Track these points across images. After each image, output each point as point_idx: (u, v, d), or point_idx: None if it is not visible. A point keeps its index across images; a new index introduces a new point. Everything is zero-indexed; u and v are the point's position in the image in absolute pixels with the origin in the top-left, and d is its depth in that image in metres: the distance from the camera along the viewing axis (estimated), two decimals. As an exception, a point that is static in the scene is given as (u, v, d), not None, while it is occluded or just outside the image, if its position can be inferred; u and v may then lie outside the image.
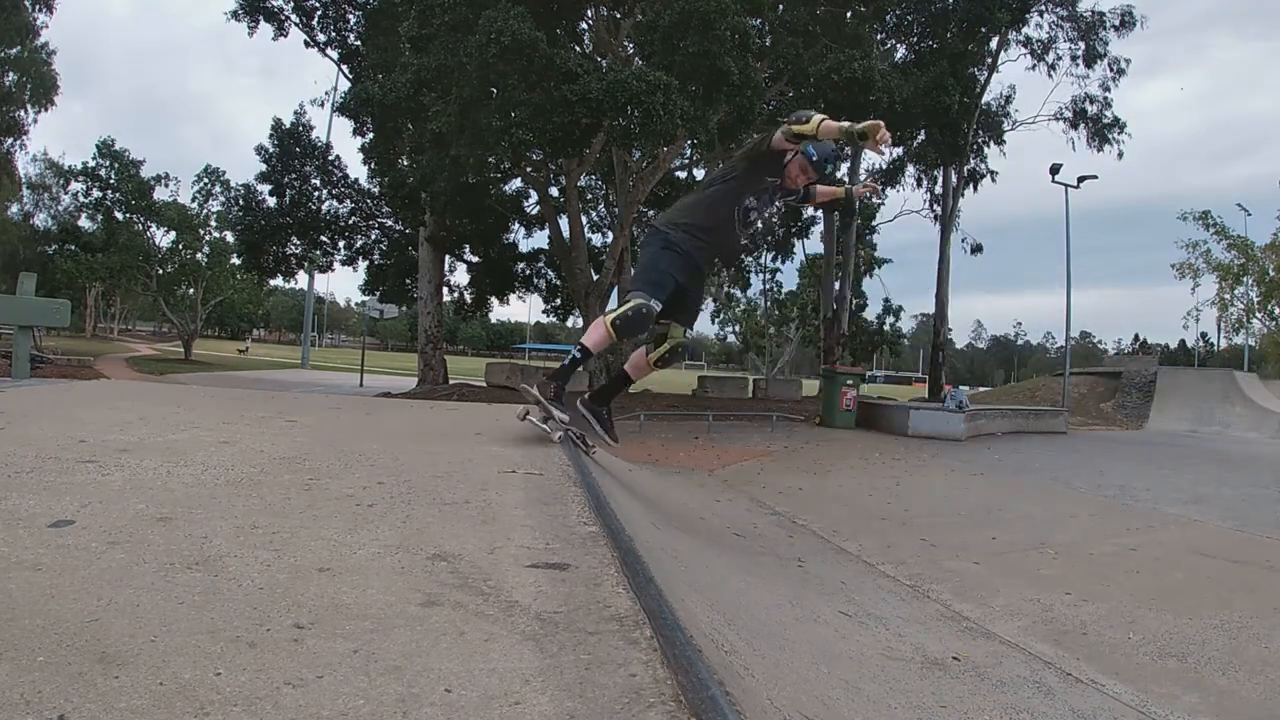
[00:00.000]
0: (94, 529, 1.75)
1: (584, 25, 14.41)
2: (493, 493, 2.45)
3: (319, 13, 17.15)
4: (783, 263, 24.29)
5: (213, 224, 28.71)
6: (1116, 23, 17.04)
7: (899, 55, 15.73)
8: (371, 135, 15.91)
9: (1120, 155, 18.39)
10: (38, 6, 22.66)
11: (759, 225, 3.59)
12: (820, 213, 19.12)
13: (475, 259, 19.12)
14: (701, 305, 3.65)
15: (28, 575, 1.44)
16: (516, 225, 19.19)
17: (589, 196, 20.94)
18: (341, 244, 19.32)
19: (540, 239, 20.37)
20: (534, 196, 18.36)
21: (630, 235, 18.60)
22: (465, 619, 1.39)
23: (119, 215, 26.76)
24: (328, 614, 1.38)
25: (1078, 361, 25.79)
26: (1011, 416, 13.06)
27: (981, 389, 40.66)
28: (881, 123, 2.93)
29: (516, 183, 18.09)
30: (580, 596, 1.54)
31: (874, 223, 24.07)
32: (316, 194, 18.49)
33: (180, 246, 28.58)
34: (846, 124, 3.02)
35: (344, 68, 17.82)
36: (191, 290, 30.20)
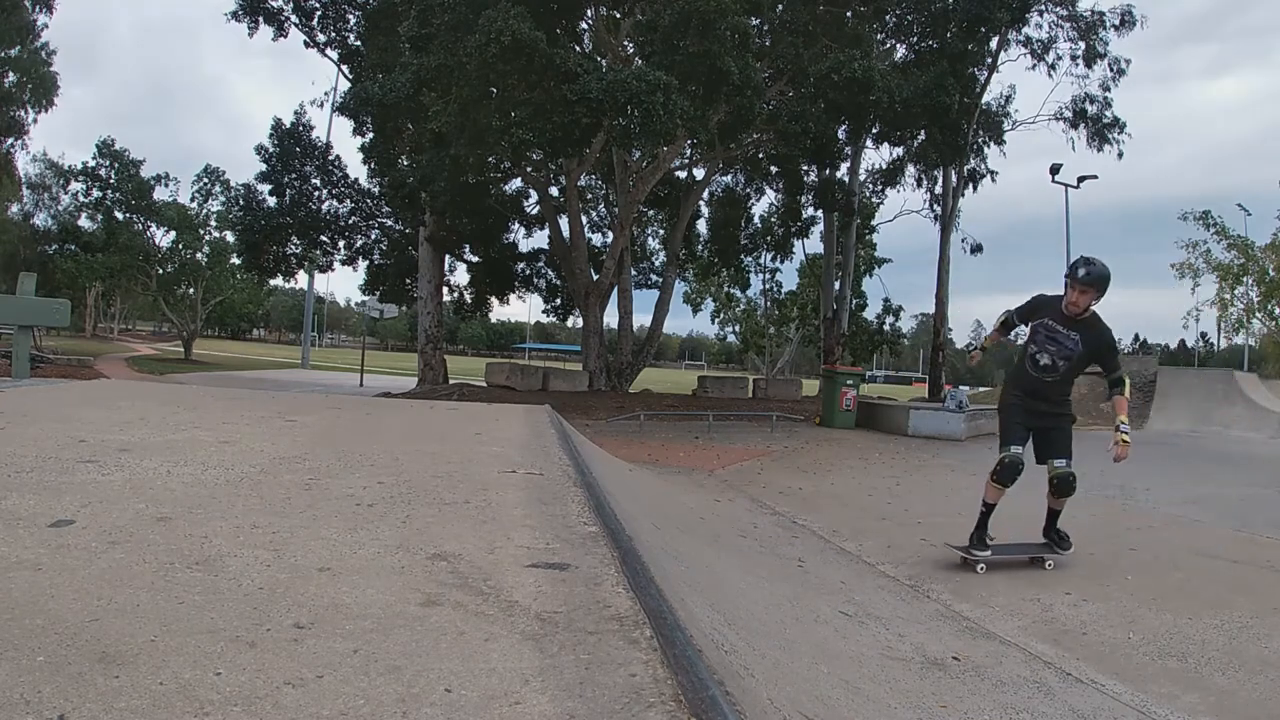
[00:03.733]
0: (94, 529, 1.75)
1: (584, 25, 14.41)
2: (493, 493, 2.45)
3: (319, 13, 17.14)
4: (783, 263, 24.26)
5: (213, 224, 28.72)
6: (1116, 22, 17.03)
7: (899, 55, 15.72)
8: (371, 135, 15.90)
9: (1120, 155, 18.39)
10: (38, 7, 22.67)
11: (1055, 363, 3.96)
12: (820, 213, 19.13)
13: (475, 259, 19.13)
14: (1067, 440, 4.05)
15: (28, 575, 1.44)
16: (516, 225, 19.19)
17: (589, 196, 20.93)
18: (341, 244, 19.31)
19: (540, 239, 20.36)
20: (534, 196, 18.37)
21: (630, 235, 18.59)
22: (465, 619, 1.39)
23: (119, 215, 26.76)
24: (328, 614, 1.38)
25: (1078, 361, 25.69)
26: (1011, 416, 13.04)
27: (981, 389, 40.60)
28: None
29: (516, 183, 18.09)
30: (580, 596, 1.54)
31: (874, 223, 24.06)
32: (316, 194, 18.47)
33: (180, 246, 28.56)
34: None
35: (344, 68, 17.82)
36: (191, 290, 30.19)
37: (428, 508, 2.20)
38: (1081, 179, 17.06)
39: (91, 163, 26.02)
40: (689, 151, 17.19)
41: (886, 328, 26.55)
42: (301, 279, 30.19)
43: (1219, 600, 3.52)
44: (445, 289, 18.99)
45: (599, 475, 3.21)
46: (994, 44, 16.45)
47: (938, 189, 19.50)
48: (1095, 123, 18.18)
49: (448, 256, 18.24)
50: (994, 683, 2.53)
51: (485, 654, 1.25)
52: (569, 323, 31.46)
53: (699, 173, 19.37)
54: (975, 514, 4.10)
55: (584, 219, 18.47)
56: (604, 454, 5.00)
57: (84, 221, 27.61)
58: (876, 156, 20.16)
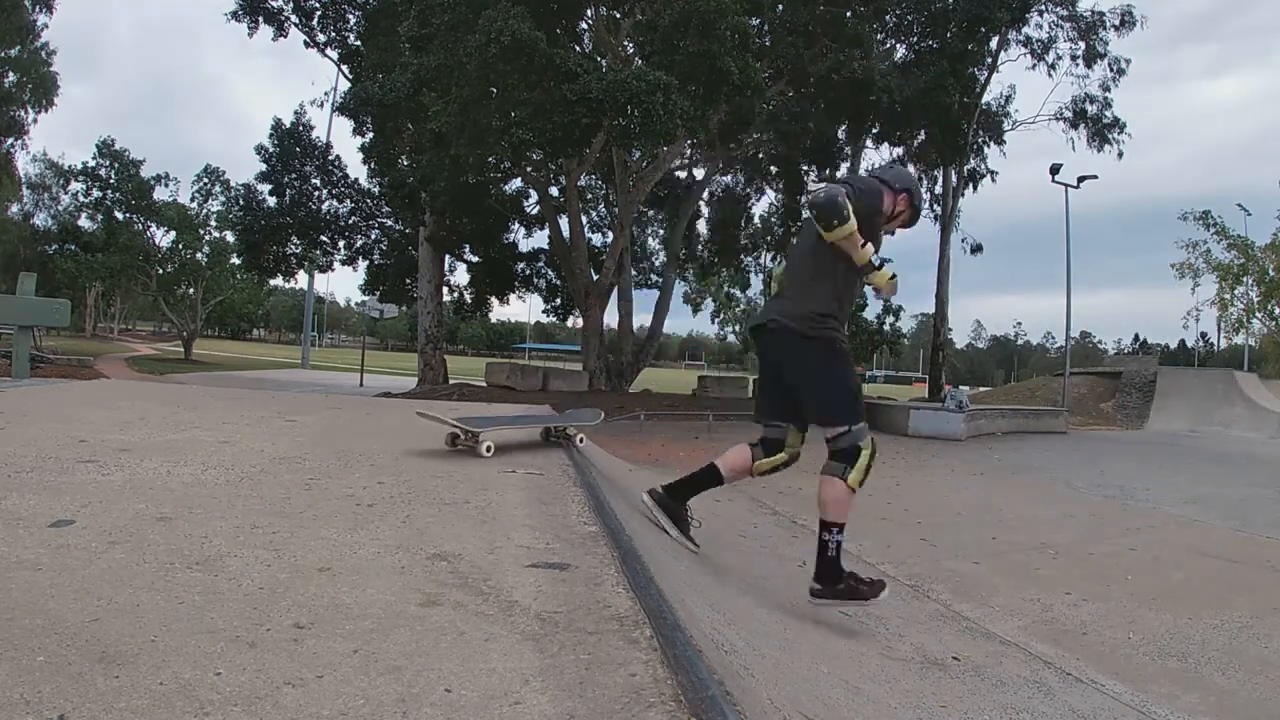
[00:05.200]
0: (94, 529, 1.75)
1: (584, 25, 14.42)
2: (493, 493, 2.45)
3: (319, 13, 17.16)
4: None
5: (213, 224, 28.73)
6: (1116, 22, 17.07)
7: (899, 55, 15.76)
8: (371, 135, 15.92)
9: (1120, 155, 18.42)
10: (38, 7, 22.69)
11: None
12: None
13: (475, 259, 19.13)
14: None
15: (28, 575, 1.44)
16: (516, 225, 19.20)
17: (589, 196, 20.94)
18: (341, 244, 19.32)
19: (540, 239, 20.40)
20: (534, 196, 18.38)
21: (630, 235, 18.59)
22: (465, 619, 1.39)
23: (119, 215, 26.78)
24: (328, 614, 1.38)
25: (1078, 361, 25.82)
26: (1011, 416, 13.06)
27: (981, 389, 40.65)
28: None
29: (516, 183, 18.11)
30: (580, 596, 1.54)
31: (874, 223, 24.09)
32: (316, 194, 18.49)
33: (180, 246, 28.59)
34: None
35: (344, 68, 17.84)
36: (191, 290, 30.21)
37: (428, 508, 2.20)
38: (1081, 179, 17.04)
39: (91, 163, 26.06)
40: (689, 151, 17.20)
41: (886, 328, 26.55)
42: (301, 279, 30.22)
43: (1219, 600, 3.52)
44: (445, 289, 19.00)
45: (599, 475, 3.21)
46: (994, 44, 16.49)
47: (938, 189, 19.54)
48: (1095, 123, 18.21)
49: (448, 256, 18.25)
50: (994, 683, 2.52)
51: (485, 654, 1.25)
52: (569, 323, 31.47)
53: (699, 173, 19.40)
54: (976, 514, 4.06)
55: (584, 219, 18.48)
56: (604, 454, 4.99)
57: (84, 221, 27.69)
58: (876, 156, 20.20)
